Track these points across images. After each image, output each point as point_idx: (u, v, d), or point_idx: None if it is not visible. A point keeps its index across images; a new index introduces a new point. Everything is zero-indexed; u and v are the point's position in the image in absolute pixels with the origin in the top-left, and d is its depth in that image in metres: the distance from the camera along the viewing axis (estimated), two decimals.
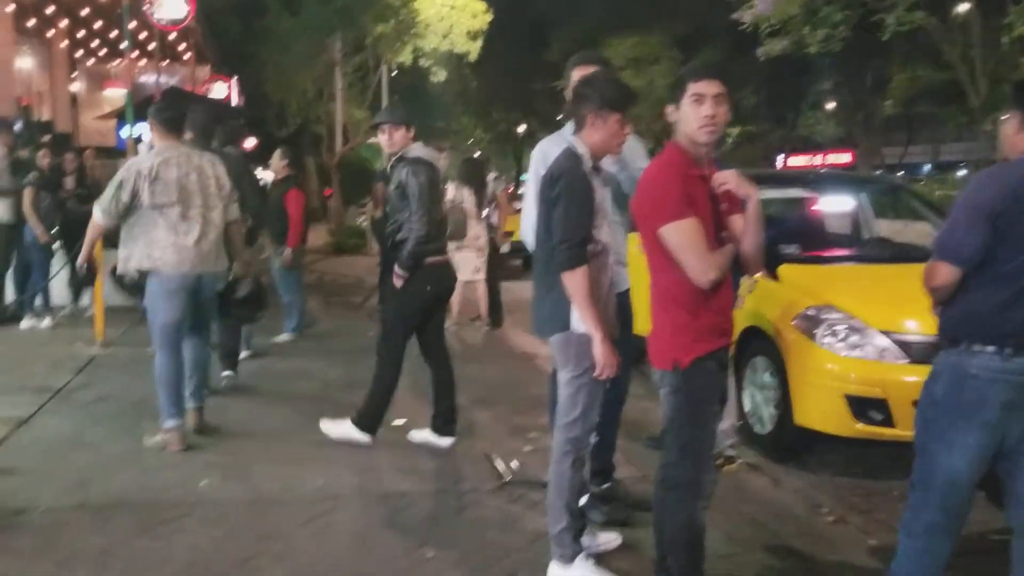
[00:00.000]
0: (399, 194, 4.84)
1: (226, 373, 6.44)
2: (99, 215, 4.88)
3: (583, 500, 3.41)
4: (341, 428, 4.95)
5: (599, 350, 3.13)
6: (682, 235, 2.81)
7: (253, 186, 7.01)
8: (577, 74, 3.70)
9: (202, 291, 5.02)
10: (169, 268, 4.80)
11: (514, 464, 4.61)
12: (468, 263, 8.79)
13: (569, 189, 3.11)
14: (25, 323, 8.36)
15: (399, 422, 5.45)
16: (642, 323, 3.34)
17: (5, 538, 3.57)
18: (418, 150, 5.00)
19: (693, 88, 2.85)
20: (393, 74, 22.60)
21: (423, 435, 5.06)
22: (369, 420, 4.92)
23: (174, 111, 5.21)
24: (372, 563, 3.48)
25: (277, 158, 8.24)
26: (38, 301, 8.57)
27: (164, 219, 4.80)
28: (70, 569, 3.32)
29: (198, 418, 5.17)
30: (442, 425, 5.04)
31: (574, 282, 3.10)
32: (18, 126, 19.10)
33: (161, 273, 4.81)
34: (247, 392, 6.21)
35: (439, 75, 24.56)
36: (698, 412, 2.94)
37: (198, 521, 3.84)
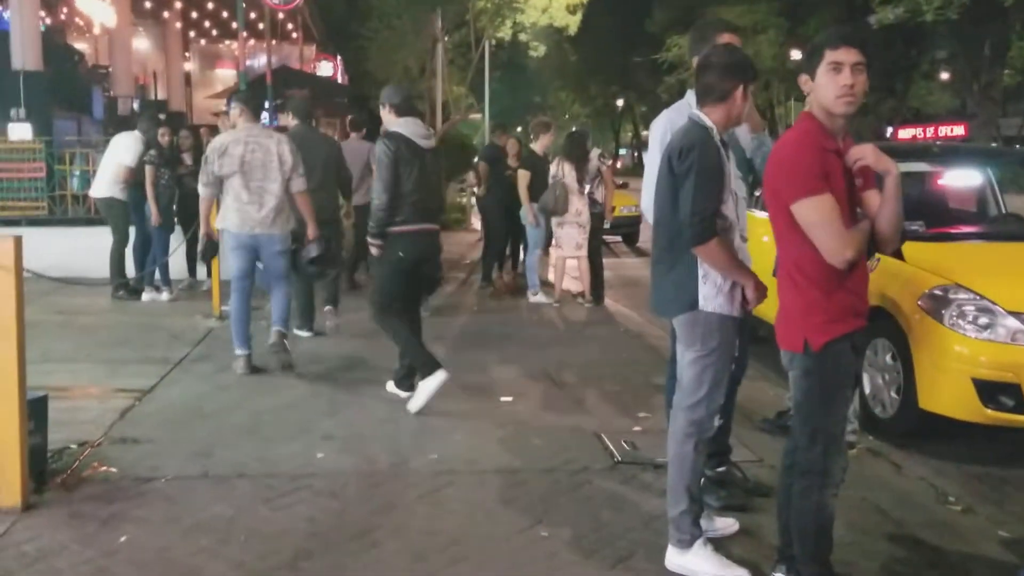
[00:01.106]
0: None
1: (302, 333, 7.07)
2: (200, 187, 6.02)
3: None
4: (391, 388, 5.56)
5: (751, 292, 3.10)
6: (817, 211, 2.68)
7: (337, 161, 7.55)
8: (718, 40, 3.59)
9: (261, 249, 6.01)
10: (233, 227, 5.92)
11: (626, 444, 4.55)
12: (570, 239, 8.73)
13: (701, 162, 3.00)
14: (145, 296, 8.72)
15: (507, 399, 5.47)
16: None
17: (133, 506, 3.70)
18: (399, 126, 5.32)
19: (831, 56, 2.71)
20: (493, 50, 22.58)
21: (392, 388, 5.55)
22: (408, 379, 5.44)
23: (258, 100, 6.55)
24: (487, 540, 3.48)
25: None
26: (157, 275, 8.92)
27: (231, 188, 5.87)
28: (196, 538, 3.43)
29: (278, 337, 6.13)
30: (401, 379, 5.52)
31: (710, 253, 3.02)
32: (136, 104, 19.92)
33: (228, 232, 5.97)
34: (360, 366, 6.32)
35: (538, 50, 24.45)
36: (830, 397, 2.83)
37: (315, 493, 3.91)
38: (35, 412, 3.89)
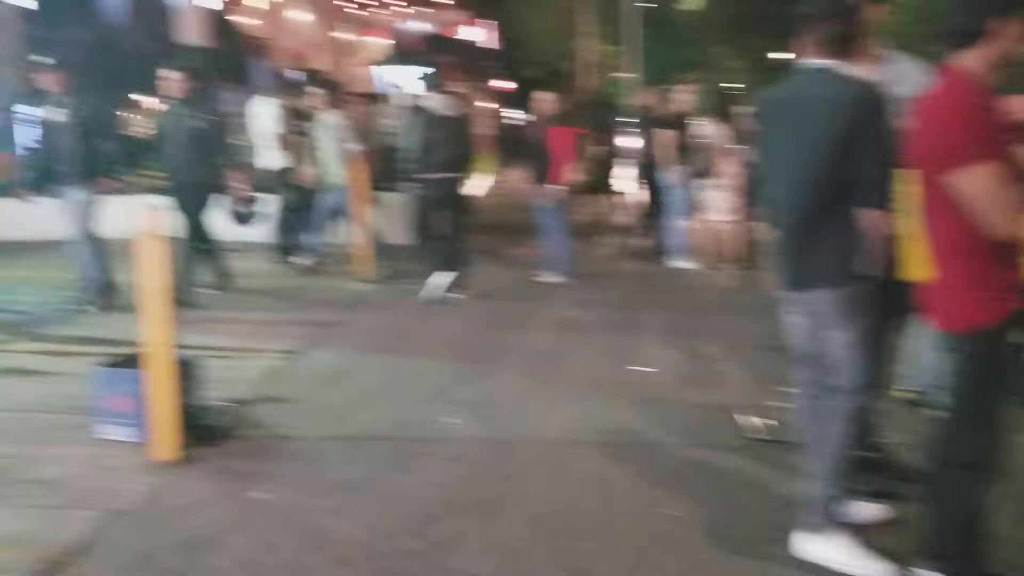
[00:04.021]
0: None
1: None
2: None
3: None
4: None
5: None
6: (981, 182, 2.43)
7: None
8: None
9: None
10: None
11: (760, 421, 4.36)
12: (718, 202, 8.43)
13: (882, 118, 2.79)
14: (300, 260, 9.09)
15: (641, 368, 5.37)
16: (913, 267, 2.95)
17: (274, 465, 3.88)
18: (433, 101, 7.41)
19: None
20: (644, 5, 22.01)
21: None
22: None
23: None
24: (611, 515, 3.43)
25: (539, 97, 8.31)
26: (311, 239, 9.27)
27: None
28: (329, 498, 3.55)
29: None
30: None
31: (884, 218, 2.84)
32: (297, 76, 20.72)
33: None
34: (493, 331, 6.37)
35: (689, 3, 23.66)
36: (994, 382, 2.58)
37: (443, 458, 3.97)
38: (189, 372, 4.14)
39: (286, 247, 9.11)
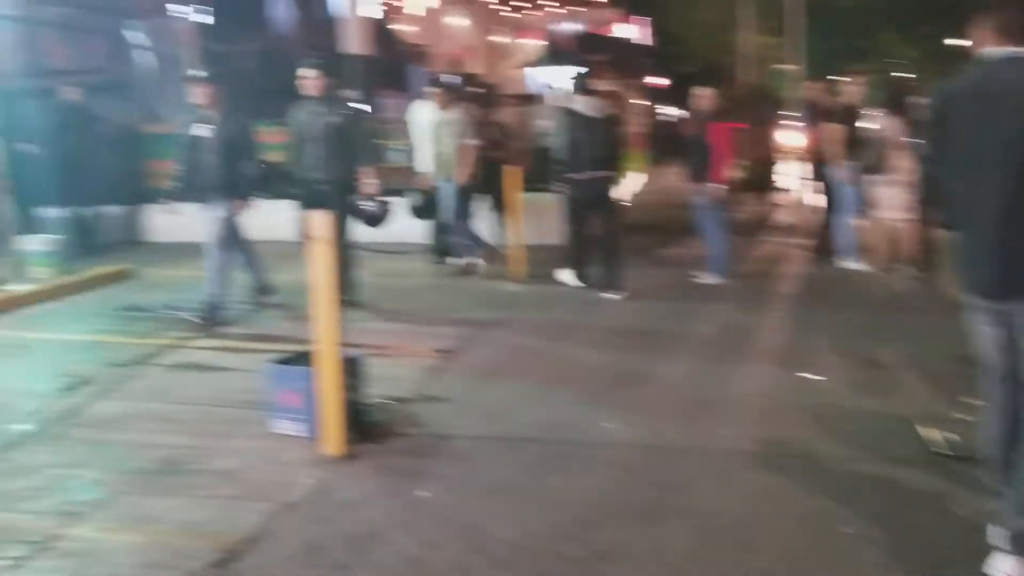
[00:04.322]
0: None
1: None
2: None
3: None
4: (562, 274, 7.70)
5: None
6: None
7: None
8: None
9: None
10: None
11: (943, 434, 4.05)
12: (891, 199, 7.94)
13: None
14: (458, 260, 9.24)
15: (812, 375, 5.12)
16: None
17: (434, 463, 3.93)
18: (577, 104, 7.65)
19: None
20: None
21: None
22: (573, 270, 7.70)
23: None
24: (780, 531, 3.26)
25: (698, 92, 8.10)
26: (466, 241, 9.40)
27: None
28: (489, 499, 3.55)
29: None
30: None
31: None
32: (453, 80, 21.16)
33: None
34: (647, 334, 6.25)
35: None
36: None
37: (603, 463, 3.91)
38: (354, 369, 4.26)
39: (441, 248, 9.28)
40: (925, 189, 3.29)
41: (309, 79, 6.89)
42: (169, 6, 14.10)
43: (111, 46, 12.45)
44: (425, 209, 8.56)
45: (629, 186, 14.10)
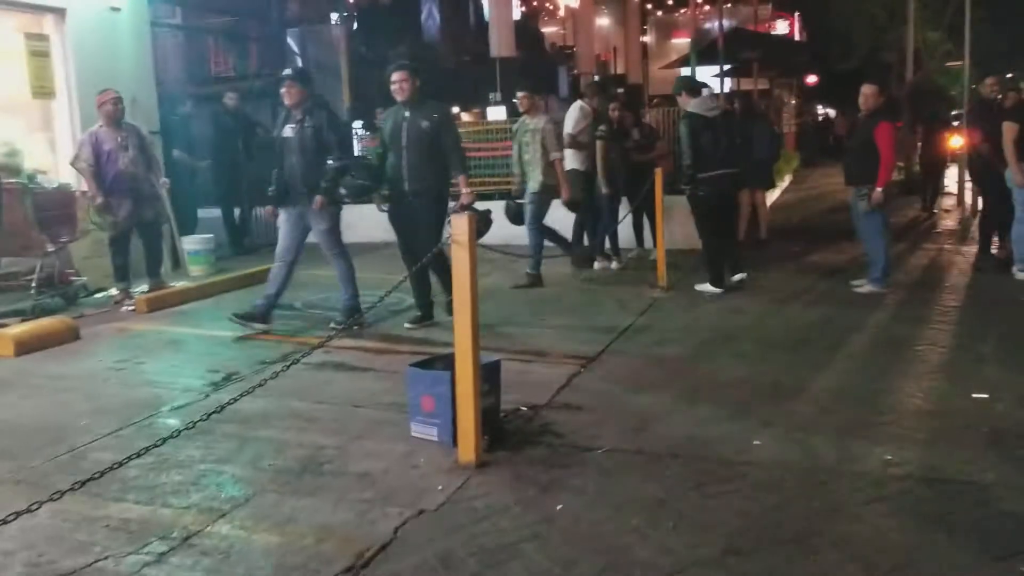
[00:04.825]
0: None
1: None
2: None
3: None
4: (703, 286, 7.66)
5: None
6: None
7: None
8: None
9: None
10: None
11: None
12: None
13: None
14: (596, 265, 9.10)
15: (981, 395, 4.68)
16: None
17: (570, 474, 3.79)
18: (693, 106, 7.68)
19: None
20: None
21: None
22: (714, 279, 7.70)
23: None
24: (949, 569, 2.94)
25: (861, 90, 7.60)
26: (608, 244, 9.25)
27: None
28: (626, 516, 3.38)
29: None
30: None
31: None
32: (600, 81, 21.04)
33: None
34: (804, 344, 5.90)
35: None
36: None
37: (750, 484, 3.66)
38: (490, 375, 4.19)
39: (582, 251, 9.16)
40: None
41: (395, 81, 6.30)
42: (329, 13, 14.64)
43: (269, 52, 13.02)
44: (519, 215, 8.17)
45: (779, 187, 13.53)
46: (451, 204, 6.51)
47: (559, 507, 3.47)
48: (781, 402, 4.72)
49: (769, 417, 4.47)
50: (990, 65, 18.81)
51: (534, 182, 8.26)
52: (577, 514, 3.41)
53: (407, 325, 6.58)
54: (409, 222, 6.50)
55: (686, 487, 3.65)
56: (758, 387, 4.99)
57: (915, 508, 3.39)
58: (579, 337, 6.22)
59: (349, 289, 6.62)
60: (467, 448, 3.86)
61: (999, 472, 3.69)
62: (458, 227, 3.87)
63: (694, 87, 7.99)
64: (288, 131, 6.44)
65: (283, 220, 6.61)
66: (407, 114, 6.38)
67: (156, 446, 3.35)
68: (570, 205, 8.62)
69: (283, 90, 6.48)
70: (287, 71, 6.87)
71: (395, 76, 6.34)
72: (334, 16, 14.69)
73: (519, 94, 8.51)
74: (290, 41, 13.53)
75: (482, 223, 6.15)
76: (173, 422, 4.52)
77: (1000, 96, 8.81)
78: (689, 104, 7.70)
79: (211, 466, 3.95)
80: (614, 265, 9.11)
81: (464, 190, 6.48)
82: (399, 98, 6.38)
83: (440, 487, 3.64)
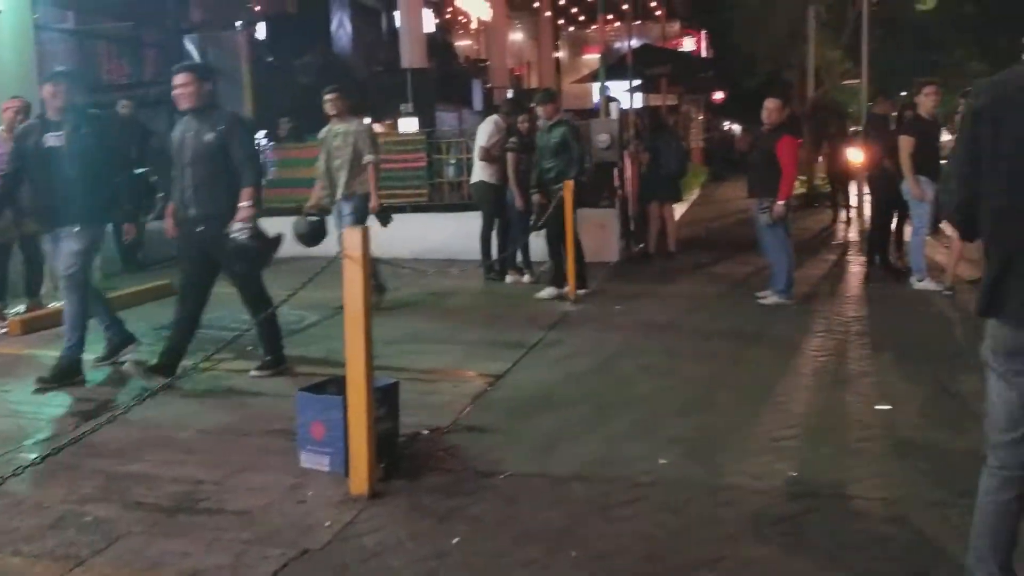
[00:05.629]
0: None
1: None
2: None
3: None
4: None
5: None
6: None
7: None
8: None
9: None
10: None
11: None
12: None
13: None
14: (508, 279, 8.95)
15: (883, 407, 4.69)
16: None
17: (470, 502, 3.59)
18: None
19: None
20: (873, 7, 20.45)
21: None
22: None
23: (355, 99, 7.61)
24: None
25: (764, 105, 7.66)
26: (519, 257, 9.11)
27: None
28: (526, 546, 3.20)
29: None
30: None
31: None
32: (509, 94, 20.99)
33: None
34: (711, 358, 5.85)
35: (927, 3, 21.73)
36: None
37: (654, 506, 3.53)
38: (387, 398, 3.96)
39: (492, 264, 9.02)
40: (963, 210, 2.57)
41: (177, 86, 5.28)
42: (230, 20, 14.17)
43: (167, 59, 12.51)
44: (313, 234, 6.88)
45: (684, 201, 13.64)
46: (237, 224, 5.17)
47: (455, 540, 3.26)
48: (688, 417, 4.62)
49: (677, 433, 4.36)
50: (887, 84, 19.54)
51: (345, 189, 7.44)
52: (474, 547, 3.21)
53: (253, 374, 5.56)
54: (196, 252, 5.44)
55: (590, 512, 3.50)
56: (666, 402, 4.90)
57: (821, 527, 3.31)
58: (488, 353, 6.04)
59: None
60: (359, 478, 3.61)
61: (905, 486, 3.65)
62: (350, 241, 3.65)
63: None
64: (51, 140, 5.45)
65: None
66: (193, 125, 5.32)
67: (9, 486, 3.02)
68: (380, 217, 7.52)
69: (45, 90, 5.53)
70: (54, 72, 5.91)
71: (177, 80, 5.26)
72: (238, 23, 14.25)
73: (328, 95, 7.47)
74: (190, 48, 13.01)
75: (263, 246, 5.24)
76: (32, 456, 4.13)
77: (895, 114, 9.04)
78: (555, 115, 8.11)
79: (72, 506, 3.57)
80: (526, 279, 8.97)
81: (244, 203, 5.18)
82: (182, 106, 5.34)
83: (328, 523, 3.39)
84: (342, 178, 7.42)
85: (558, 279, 8.00)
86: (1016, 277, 2.43)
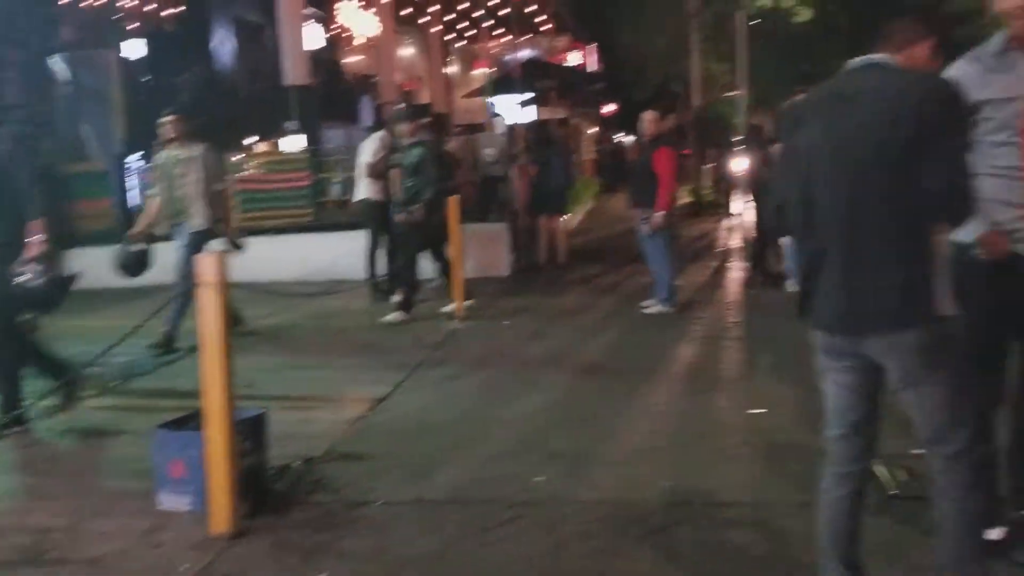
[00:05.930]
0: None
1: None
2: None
3: (995, 533, 2.71)
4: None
5: None
6: None
7: None
8: None
9: None
10: None
11: (904, 472, 3.68)
12: None
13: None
14: (395, 297, 8.81)
15: (756, 411, 4.77)
16: None
17: (340, 535, 3.46)
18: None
19: None
20: (752, 22, 21.18)
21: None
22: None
23: (196, 123, 6.95)
24: None
25: (642, 117, 7.80)
26: (403, 278, 8.99)
27: None
28: None
29: None
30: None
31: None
32: (401, 110, 20.86)
33: None
34: (591, 371, 5.87)
35: (803, 15, 22.64)
36: None
37: (532, 524, 3.48)
38: (253, 431, 3.80)
39: (378, 283, 8.88)
40: (778, 212, 2.72)
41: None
42: (103, 39, 13.63)
43: (29, 80, 11.95)
44: (136, 264, 6.77)
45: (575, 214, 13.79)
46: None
47: None
48: (568, 432, 4.61)
49: (556, 449, 4.33)
50: (769, 94, 20.22)
51: (199, 218, 6.89)
52: None
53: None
54: None
55: (467, 536, 3.42)
56: (547, 418, 4.88)
57: (695, 537, 3.32)
58: (370, 376, 5.90)
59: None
60: (220, 517, 3.44)
61: (776, 489, 3.70)
62: (204, 267, 3.50)
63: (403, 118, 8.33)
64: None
65: None
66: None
67: None
68: (233, 242, 7.12)
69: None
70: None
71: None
72: (110, 41, 13.72)
73: (166, 118, 6.94)
74: (57, 67, 12.42)
75: (54, 289, 4.83)
76: None
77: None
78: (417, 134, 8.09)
79: None
80: (407, 297, 8.84)
81: (37, 237, 4.74)
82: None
83: (185, 566, 3.21)
84: (197, 207, 6.88)
85: (406, 303, 7.85)
86: (816, 279, 2.51)
